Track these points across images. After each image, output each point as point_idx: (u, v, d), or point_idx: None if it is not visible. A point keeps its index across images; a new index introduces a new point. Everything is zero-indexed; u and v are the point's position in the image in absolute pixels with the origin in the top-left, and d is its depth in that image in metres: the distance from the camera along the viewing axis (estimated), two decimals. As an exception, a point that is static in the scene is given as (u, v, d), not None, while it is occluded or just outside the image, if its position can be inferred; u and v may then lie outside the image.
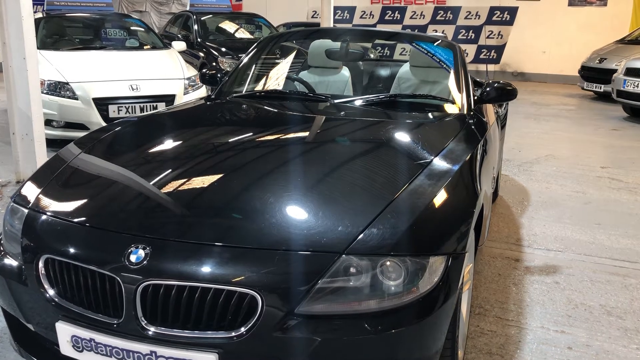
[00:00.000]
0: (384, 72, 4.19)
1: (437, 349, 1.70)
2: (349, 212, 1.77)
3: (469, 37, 12.36)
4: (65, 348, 1.69)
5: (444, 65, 3.27)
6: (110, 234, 1.72)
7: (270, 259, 1.60)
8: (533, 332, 2.54)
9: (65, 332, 1.67)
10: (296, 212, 1.80)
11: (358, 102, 3.02)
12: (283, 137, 2.53)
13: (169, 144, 2.42)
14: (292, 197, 1.87)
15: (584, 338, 2.50)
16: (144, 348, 1.57)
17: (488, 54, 12.27)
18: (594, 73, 10.18)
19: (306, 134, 2.55)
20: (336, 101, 3.02)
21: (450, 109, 2.94)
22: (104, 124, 4.63)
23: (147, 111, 5.59)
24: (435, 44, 3.46)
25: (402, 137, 2.53)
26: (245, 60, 3.50)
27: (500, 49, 12.21)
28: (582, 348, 2.42)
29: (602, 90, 9.92)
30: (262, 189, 1.91)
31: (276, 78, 3.64)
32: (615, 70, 8.84)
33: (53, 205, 1.92)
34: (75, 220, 1.81)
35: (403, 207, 1.79)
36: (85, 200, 1.94)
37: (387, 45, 11.91)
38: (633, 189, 4.82)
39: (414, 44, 3.54)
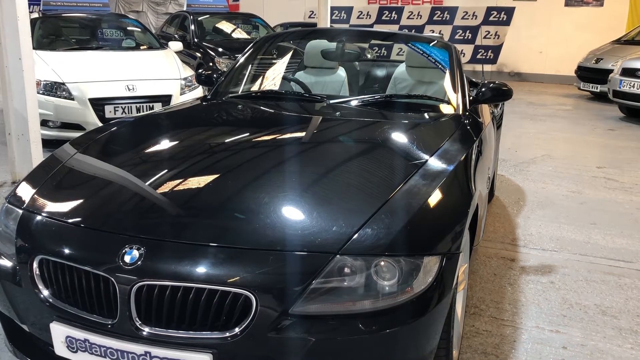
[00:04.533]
0: (380, 72, 4.19)
1: (431, 349, 1.71)
2: (344, 212, 1.77)
3: (466, 38, 12.36)
4: (60, 349, 1.69)
5: (440, 66, 3.28)
6: (105, 235, 1.72)
7: (264, 259, 1.60)
8: (528, 331, 2.54)
9: (59, 332, 1.67)
10: (291, 213, 1.80)
11: (354, 103, 3.02)
12: (279, 137, 2.53)
13: (164, 145, 2.41)
14: (287, 197, 1.88)
15: (579, 337, 2.51)
16: (138, 348, 1.57)
17: (485, 54, 12.27)
18: (590, 73, 10.20)
19: (302, 134, 2.55)
20: (332, 101, 3.02)
21: (445, 109, 2.95)
22: (101, 125, 4.63)
23: (143, 111, 5.58)
24: (430, 45, 3.46)
25: (398, 137, 2.54)
26: (242, 60, 3.49)
27: (497, 49, 12.22)
28: (577, 347, 2.43)
29: (598, 90, 9.95)
30: (257, 190, 1.92)
31: (272, 78, 3.64)
32: (611, 71, 8.86)
33: (47, 206, 1.91)
34: (70, 220, 1.80)
35: (397, 207, 1.79)
36: (79, 201, 1.94)
37: (385, 46, 11.92)
38: (629, 189, 4.83)
39: (409, 45, 3.54)
